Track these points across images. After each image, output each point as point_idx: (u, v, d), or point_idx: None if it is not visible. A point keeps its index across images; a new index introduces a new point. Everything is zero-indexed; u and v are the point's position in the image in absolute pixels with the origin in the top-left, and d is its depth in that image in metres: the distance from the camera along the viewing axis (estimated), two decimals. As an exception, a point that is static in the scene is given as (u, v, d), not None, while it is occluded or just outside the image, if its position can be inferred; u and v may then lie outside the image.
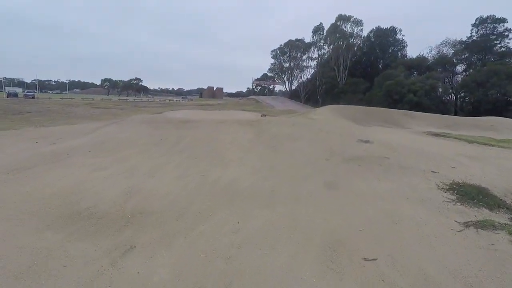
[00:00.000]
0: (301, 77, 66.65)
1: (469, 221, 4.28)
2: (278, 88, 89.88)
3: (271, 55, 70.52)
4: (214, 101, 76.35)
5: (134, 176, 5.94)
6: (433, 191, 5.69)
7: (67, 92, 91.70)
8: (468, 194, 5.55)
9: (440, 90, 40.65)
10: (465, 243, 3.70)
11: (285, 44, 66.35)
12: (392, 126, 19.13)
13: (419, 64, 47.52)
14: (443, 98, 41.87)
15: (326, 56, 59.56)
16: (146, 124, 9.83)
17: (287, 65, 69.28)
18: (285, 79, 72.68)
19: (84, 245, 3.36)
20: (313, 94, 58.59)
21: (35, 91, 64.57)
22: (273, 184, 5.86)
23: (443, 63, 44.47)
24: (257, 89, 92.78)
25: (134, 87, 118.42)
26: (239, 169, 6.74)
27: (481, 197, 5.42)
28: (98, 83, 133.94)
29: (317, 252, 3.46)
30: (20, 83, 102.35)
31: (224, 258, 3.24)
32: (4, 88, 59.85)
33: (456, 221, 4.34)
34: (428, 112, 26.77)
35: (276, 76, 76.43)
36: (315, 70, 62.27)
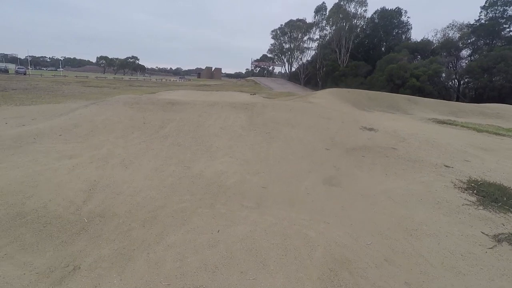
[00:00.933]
0: (301, 58, 64.79)
1: (500, 234, 3.53)
2: (277, 70, 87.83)
3: (271, 35, 68.20)
4: (212, 81, 74.56)
5: (105, 166, 5.11)
6: (450, 190, 4.93)
7: (61, 69, 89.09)
8: (490, 195, 4.79)
9: (444, 75, 39.41)
10: (501, 266, 2.96)
11: (286, 24, 63.92)
12: (396, 112, 18.24)
13: (423, 48, 45.89)
14: (446, 84, 40.71)
15: (327, 38, 57.50)
16: (129, 106, 8.89)
17: (287, 46, 67.14)
18: (285, 60, 70.69)
19: (9, 266, 2.57)
20: (313, 77, 57.06)
21: (28, 67, 62.48)
22: (265, 180, 5.07)
23: (448, 47, 42.90)
24: (256, 70, 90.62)
25: (130, 66, 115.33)
26: (227, 160, 5.92)
27: (505, 199, 4.66)
28: (94, 61, 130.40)
29: (318, 274, 2.71)
30: (14, 59, 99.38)
31: None
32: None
33: (483, 233, 3.60)
34: (430, 98, 25.81)
35: (276, 57, 74.30)
36: (315, 52, 60.38)
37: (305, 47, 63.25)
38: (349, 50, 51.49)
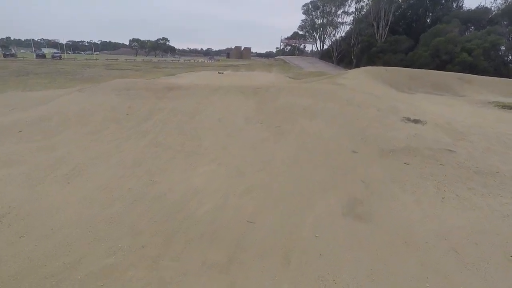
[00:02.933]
0: (334, 35, 60.01)
1: None
2: (309, 48, 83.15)
3: (302, 10, 63.68)
4: (240, 61, 72.41)
5: (40, 181, 3.80)
6: (558, 235, 2.98)
7: (97, 52, 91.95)
8: None
9: (503, 48, 33.89)
10: None
11: (318, -4, 59.11)
12: (444, 93, 15.37)
13: (478, 17, 39.75)
14: (506, 59, 35.12)
15: (364, 11, 52.32)
16: (116, 92, 7.58)
17: (319, 21, 62.40)
18: (317, 37, 66.12)
19: None
20: (347, 54, 52.69)
21: (65, 52, 64.96)
22: (257, 205, 3.45)
23: (511, 14, 36.66)
24: (286, 49, 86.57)
25: (161, 48, 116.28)
26: (212, 169, 4.36)
27: None
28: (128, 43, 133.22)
29: None
30: (55, 44, 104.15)
31: None
32: (34, 50, 60.90)
33: None
34: (485, 76, 21.82)
35: (307, 34, 69.83)
36: (350, 27, 55.47)
37: (339, 22, 58.37)
38: (389, 24, 46.36)
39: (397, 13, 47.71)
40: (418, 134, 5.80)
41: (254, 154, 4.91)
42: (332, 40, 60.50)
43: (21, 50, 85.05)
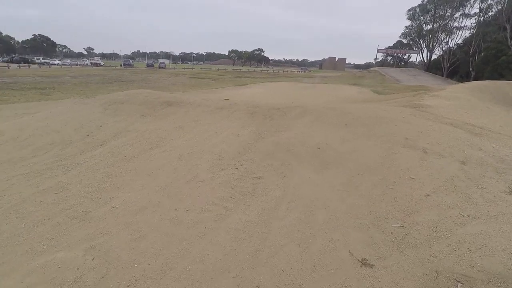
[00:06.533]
0: (447, 42, 50.22)
1: None
2: (415, 58, 72.50)
3: (406, 16, 55.83)
4: (330, 73, 68.56)
5: None
6: None
7: (201, 62, 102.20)
8: None
9: None
10: None
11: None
12: None
13: None
14: None
15: (493, 11, 41.88)
16: (106, 106, 6.35)
17: (428, 27, 53.43)
18: (423, 46, 56.78)
19: None
20: (463, 65, 43.03)
21: (176, 62, 73.99)
22: None
23: None
24: (387, 60, 77.81)
25: (256, 58, 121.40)
26: (73, 255, 2.32)
27: None
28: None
29: None
30: (167, 56, 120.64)
31: None
32: (146, 61, 71.28)
33: None
34: None
35: (412, 42, 60.85)
36: (470, 32, 45.40)
37: (455, 27, 48.51)
38: (529, 26, 35.56)
39: (543, 12, 36.53)
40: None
41: (178, 248, 2.65)
42: (444, 48, 50.84)
43: (142, 61, 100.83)
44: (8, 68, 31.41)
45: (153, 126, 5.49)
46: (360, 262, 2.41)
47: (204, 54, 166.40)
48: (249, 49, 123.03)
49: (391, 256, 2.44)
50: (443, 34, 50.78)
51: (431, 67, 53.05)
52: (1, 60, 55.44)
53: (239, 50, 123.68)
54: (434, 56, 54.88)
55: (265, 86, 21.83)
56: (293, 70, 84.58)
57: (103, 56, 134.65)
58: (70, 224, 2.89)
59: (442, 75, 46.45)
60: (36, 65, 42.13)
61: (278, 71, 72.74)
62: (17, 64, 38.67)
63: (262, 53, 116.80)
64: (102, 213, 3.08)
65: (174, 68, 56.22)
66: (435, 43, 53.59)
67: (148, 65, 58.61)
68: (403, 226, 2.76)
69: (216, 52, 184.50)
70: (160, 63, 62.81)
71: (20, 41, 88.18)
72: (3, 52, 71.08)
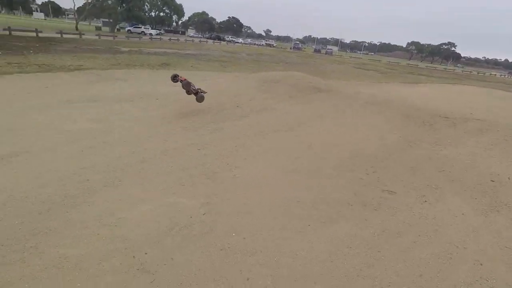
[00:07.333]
0: None
1: None
2: None
3: None
4: None
5: None
6: None
7: (372, 53, 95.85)
8: None
9: None
10: None
11: None
12: None
13: None
14: None
15: None
16: (259, 83, 6.86)
17: None
18: None
19: None
20: None
21: (346, 50, 72.40)
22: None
23: None
24: None
25: (442, 53, 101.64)
26: None
27: None
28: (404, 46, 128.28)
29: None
30: (336, 42, 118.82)
31: None
32: (315, 46, 72.46)
33: None
34: None
35: None
36: None
37: None
38: None
39: None
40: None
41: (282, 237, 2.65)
42: None
43: (311, 46, 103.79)
44: (206, 42, 41.98)
45: (296, 109, 5.55)
46: None
47: (377, 44, 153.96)
48: (435, 43, 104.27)
49: None
50: None
51: None
52: (205, 37, 71.00)
53: (422, 42, 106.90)
54: None
55: (442, 88, 18.03)
56: (494, 73, 65.73)
57: (278, 38, 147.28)
58: (199, 179, 3.34)
59: None
60: (225, 42, 52.00)
61: (470, 71, 58.49)
62: (212, 41, 49.48)
63: (452, 48, 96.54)
64: (225, 178, 3.39)
65: (341, 56, 55.15)
66: None
67: (316, 50, 59.99)
68: None
69: (392, 43, 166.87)
70: (328, 49, 63.09)
71: (218, 21, 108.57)
72: (207, 30, 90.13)
